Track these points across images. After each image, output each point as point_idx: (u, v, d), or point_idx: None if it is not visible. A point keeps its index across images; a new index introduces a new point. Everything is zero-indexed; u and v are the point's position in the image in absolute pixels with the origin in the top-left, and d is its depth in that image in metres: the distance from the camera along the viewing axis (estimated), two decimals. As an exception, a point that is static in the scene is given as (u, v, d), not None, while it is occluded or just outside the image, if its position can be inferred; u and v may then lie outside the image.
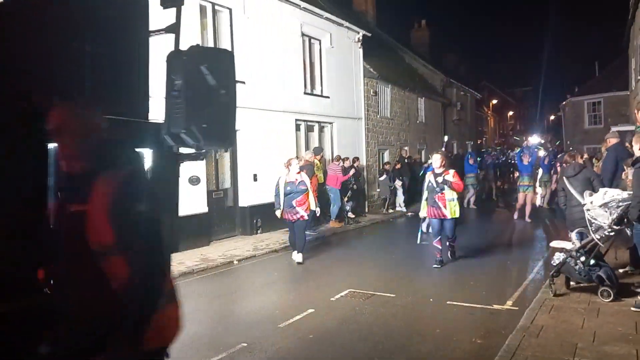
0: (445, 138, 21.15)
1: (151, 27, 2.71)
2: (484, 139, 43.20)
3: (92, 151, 2.17)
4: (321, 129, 15.79)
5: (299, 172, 9.26)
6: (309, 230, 12.49)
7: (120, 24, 2.53)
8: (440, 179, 8.33)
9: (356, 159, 15.78)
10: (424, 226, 10.92)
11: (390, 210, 16.79)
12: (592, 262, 6.00)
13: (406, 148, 20.61)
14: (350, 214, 14.32)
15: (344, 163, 14.37)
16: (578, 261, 6.09)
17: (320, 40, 15.63)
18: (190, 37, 10.64)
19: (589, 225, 6.09)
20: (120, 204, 2.06)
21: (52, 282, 2.19)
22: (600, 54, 34.33)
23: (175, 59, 2.42)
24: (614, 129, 16.16)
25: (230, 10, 12.07)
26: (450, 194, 8.29)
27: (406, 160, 18.47)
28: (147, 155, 2.55)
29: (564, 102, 36.85)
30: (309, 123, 15.02)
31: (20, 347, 2.02)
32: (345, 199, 14.21)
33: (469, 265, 8.72)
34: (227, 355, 4.94)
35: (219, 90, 2.44)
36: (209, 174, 11.38)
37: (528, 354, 4.48)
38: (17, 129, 2.11)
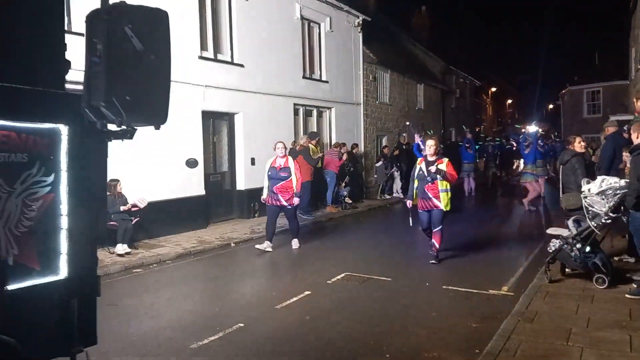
0: (407, 123, 19.21)
1: None
2: (482, 126, 43.15)
3: None
4: (320, 114, 15.74)
5: (283, 157, 8.90)
6: (305, 215, 12.53)
7: None
8: (432, 168, 7.52)
9: (355, 145, 15.76)
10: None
11: (387, 196, 16.83)
12: (587, 249, 6.03)
13: (404, 134, 20.57)
14: (347, 199, 14.34)
15: (341, 149, 14.33)
16: (574, 248, 6.12)
17: (319, 24, 15.51)
18: (188, 21, 10.58)
19: (585, 213, 6.11)
20: None
21: None
22: (601, 43, 34.11)
23: (95, 18, 2.06)
24: (612, 118, 16.15)
25: (230, -8, 11.95)
26: (442, 185, 7.54)
27: (404, 147, 18.45)
28: (64, 132, 2.22)
29: (563, 91, 36.78)
30: (307, 107, 14.97)
31: None
32: (343, 184, 14.22)
33: (465, 251, 8.76)
34: (223, 335, 4.97)
35: (147, 56, 2.14)
36: (206, 157, 11.36)
37: (522, 338, 4.52)
38: None
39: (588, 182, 6.34)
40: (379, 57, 18.84)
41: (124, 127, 2.21)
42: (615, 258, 7.03)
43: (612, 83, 28.98)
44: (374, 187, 17.73)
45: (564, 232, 6.41)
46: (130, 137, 2.34)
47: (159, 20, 2.23)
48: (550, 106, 52.21)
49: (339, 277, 7.10)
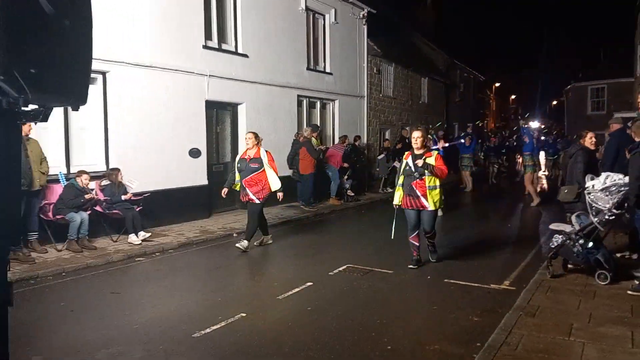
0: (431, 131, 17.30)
1: None
2: (485, 121, 43.05)
3: None
4: (323, 106, 15.70)
5: (253, 148, 8.26)
6: (308, 207, 12.54)
7: None
8: (420, 162, 6.83)
9: (357, 137, 15.73)
10: None
11: (389, 190, 16.81)
12: (590, 245, 6.03)
13: (407, 128, 20.53)
14: (349, 192, 14.34)
15: (343, 143, 14.33)
16: (577, 244, 6.12)
17: (324, 16, 15.44)
18: (193, 9, 10.55)
19: (589, 209, 6.11)
20: None
21: None
22: (607, 40, 33.97)
23: None
24: (617, 115, 16.07)
25: (235, -19, 11.90)
26: (431, 181, 6.86)
27: (407, 140, 18.40)
28: None
29: (567, 87, 36.65)
30: (311, 99, 14.93)
31: None
32: (345, 177, 14.22)
33: (467, 245, 8.77)
34: (226, 324, 4.99)
35: (60, 21, 1.79)
36: (209, 147, 11.35)
37: (524, 332, 4.53)
38: None
39: (592, 179, 6.34)
40: (384, 49, 18.77)
41: (36, 106, 1.88)
42: (618, 254, 7.04)
43: (617, 80, 28.87)
44: (377, 180, 17.73)
45: (566, 228, 6.41)
46: (45, 120, 1.95)
47: None
48: (554, 102, 52.04)
49: (340, 268, 7.11)
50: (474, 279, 6.60)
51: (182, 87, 10.47)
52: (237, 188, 8.51)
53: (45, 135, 8.39)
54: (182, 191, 10.38)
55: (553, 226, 6.68)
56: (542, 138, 15.94)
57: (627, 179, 5.90)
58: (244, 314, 5.26)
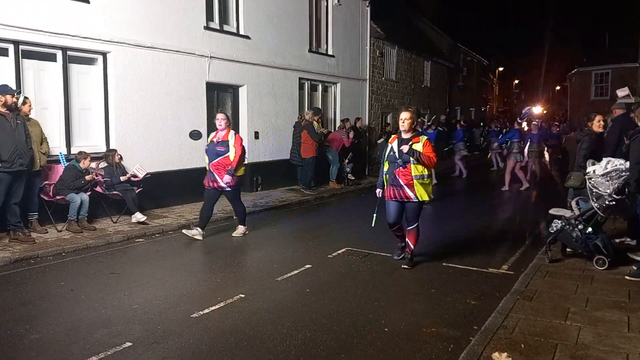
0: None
1: None
2: (488, 106, 42.84)
3: None
4: (325, 89, 15.61)
5: (224, 130, 7.75)
6: (308, 191, 12.54)
7: None
8: (405, 148, 6.00)
9: (358, 119, 15.66)
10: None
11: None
12: (589, 230, 6.04)
13: (409, 112, 20.44)
14: (350, 176, 14.33)
15: (345, 124, 14.30)
16: (576, 229, 6.13)
17: (327, -3, 15.28)
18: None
19: (589, 194, 6.10)
20: None
21: None
22: (611, 25, 33.59)
23: None
24: (620, 99, 15.93)
25: (237, -39, 11.75)
26: (417, 170, 6.01)
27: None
28: None
29: (571, 72, 36.38)
30: (312, 82, 14.84)
31: None
32: (346, 160, 14.20)
33: (466, 230, 8.79)
34: (225, 304, 5.02)
35: None
36: (210, 129, 11.30)
37: (521, 316, 4.55)
38: None
39: (593, 164, 6.32)
40: (387, 32, 18.60)
41: None
42: (617, 240, 7.04)
43: (622, 65, 28.63)
44: (377, 164, 17.69)
45: (566, 213, 6.41)
46: None
47: None
48: (558, 88, 51.71)
49: (339, 251, 7.14)
50: (472, 263, 6.62)
51: (183, 69, 10.41)
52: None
53: (46, 116, 8.38)
54: (182, 173, 10.38)
55: (552, 211, 6.68)
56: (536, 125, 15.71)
57: (628, 164, 5.88)
58: (242, 295, 5.29)
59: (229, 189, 7.79)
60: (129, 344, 4.12)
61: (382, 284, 5.83)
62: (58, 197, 7.88)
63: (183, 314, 4.77)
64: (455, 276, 6.14)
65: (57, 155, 8.30)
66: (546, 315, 4.57)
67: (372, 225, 6.42)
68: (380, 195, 6.38)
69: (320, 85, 15.26)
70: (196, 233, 7.78)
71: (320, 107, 14.74)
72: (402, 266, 6.34)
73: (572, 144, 10.69)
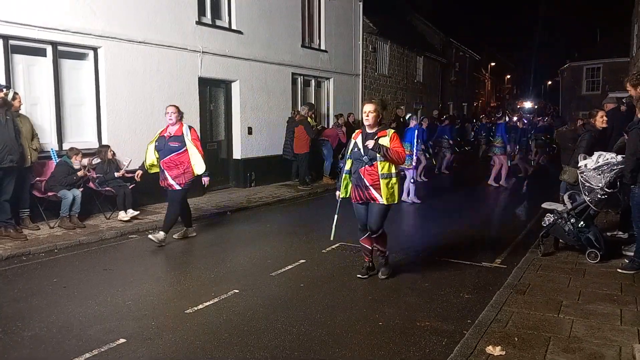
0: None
1: None
2: (480, 101, 42.97)
3: None
4: (318, 84, 15.58)
5: (175, 124, 7.14)
6: (303, 186, 12.52)
7: None
8: (370, 143, 5.32)
9: (350, 113, 15.65)
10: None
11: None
12: (582, 224, 6.08)
13: (402, 107, 20.47)
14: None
15: (338, 120, 14.31)
16: (568, 223, 6.17)
17: (319, -8, 15.23)
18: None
19: (581, 188, 6.14)
20: None
21: None
22: (603, 19, 33.77)
23: None
24: (611, 94, 16.07)
25: (229, -44, 11.68)
26: (383, 168, 5.35)
27: (401, 120, 18.36)
28: None
29: (563, 67, 36.57)
30: (305, 77, 14.80)
31: None
32: (340, 155, 14.17)
33: (459, 224, 8.82)
34: (219, 300, 5.01)
35: None
36: (202, 125, 11.26)
37: (514, 309, 4.57)
38: None
39: (585, 158, 6.36)
40: (379, 27, 18.60)
41: None
42: (608, 233, 7.09)
43: (613, 60, 28.80)
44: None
45: (558, 207, 6.45)
46: None
47: None
48: (549, 82, 51.98)
49: (333, 246, 7.14)
50: (466, 257, 6.65)
51: (175, 64, 10.34)
52: (154, 171, 7.38)
53: (37, 112, 8.31)
54: (175, 169, 10.31)
55: (545, 205, 6.72)
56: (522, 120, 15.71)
57: (619, 157, 5.92)
58: (237, 290, 5.29)
59: (178, 187, 7.08)
60: (123, 340, 4.11)
61: (375, 278, 5.83)
62: (50, 194, 7.83)
63: (177, 310, 4.76)
64: (449, 270, 6.15)
65: (49, 152, 8.23)
66: (539, 308, 4.60)
67: (331, 238, 5.79)
68: (339, 198, 5.71)
69: (313, 81, 15.23)
70: (162, 238, 7.08)
71: (313, 102, 14.72)
72: (380, 276, 5.72)
73: (563, 138, 10.75)
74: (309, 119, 12.82)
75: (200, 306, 4.84)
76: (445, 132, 16.39)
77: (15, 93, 7.36)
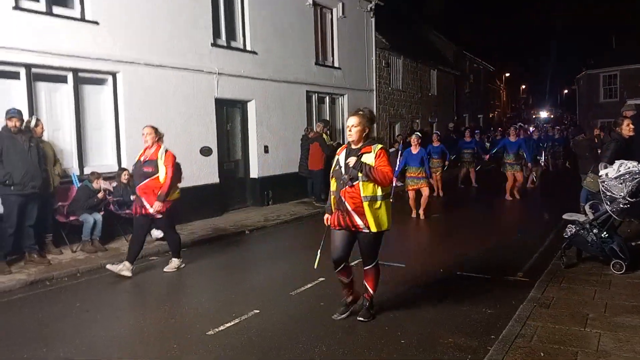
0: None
1: None
2: (496, 112, 42.73)
3: None
4: (332, 101, 15.68)
5: (152, 146, 6.70)
6: (319, 203, 12.51)
7: None
8: (352, 160, 4.62)
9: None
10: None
11: (399, 184, 16.68)
12: (605, 234, 5.97)
13: (417, 121, 20.45)
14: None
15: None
16: (591, 233, 6.06)
17: (331, 10, 15.38)
18: (201, 8, 10.56)
19: (602, 197, 6.04)
20: None
21: None
22: (619, 26, 33.53)
23: None
24: (629, 102, 15.85)
25: (241, -21, 11.90)
26: (367, 189, 4.58)
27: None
28: None
29: (579, 75, 36.25)
30: (320, 94, 14.91)
31: None
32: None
33: (479, 237, 8.73)
34: (240, 321, 5.01)
35: None
36: (220, 145, 11.38)
37: (539, 324, 4.49)
38: None
39: (605, 167, 6.27)
40: (392, 42, 18.69)
41: None
42: (632, 243, 6.96)
43: (630, 67, 28.51)
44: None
45: (580, 218, 6.35)
46: None
47: None
48: (565, 91, 51.52)
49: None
50: (486, 271, 6.57)
51: (191, 86, 10.51)
52: None
53: (58, 137, 8.49)
54: (193, 190, 10.41)
55: (566, 216, 6.62)
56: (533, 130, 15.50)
57: (641, 166, 5.83)
58: (257, 311, 5.29)
59: (159, 215, 6.64)
60: (145, 363, 4.13)
61: (396, 294, 5.79)
62: (72, 218, 7.95)
63: (198, 332, 4.77)
64: (470, 285, 6.09)
65: (71, 176, 8.38)
66: (565, 322, 4.51)
67: (315, 266, 5.16)
68: (328, 222, 4.97)
69: (327, 97, 15.32)
70: (123, 268, 6.58)
71: (328, 118, 14.79)
72: (358, 318, 4.94)
73: (580, 148, 10.62)
74: (324, 136, 12.88)
75: (222, 327, 4.85)
76: (469, 145, 15.86)
77: (38, 120, 7.54)
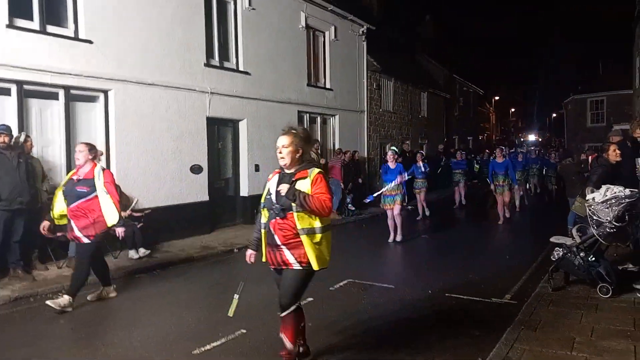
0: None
1: None
2: (485, 135, 43.16)
3: None
4: (324, 121, 15.79)
5: (86, 164, 6.01)
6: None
7: None
8: (283, 188, 3.90)
9: (355, 151, 15.76)
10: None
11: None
12: (592, 258, 6.02)
13: (408, 142, 20.59)
14: (350, 207, 14.34)
15: (344, 156, 14.48)
16: (578, 257, 6.11)
17: (324, 33, 15.60)
18: (194, 29, 10.66)
19: (589, 221, 6.10)
20: None
21: None
22: (605, 52, 34.15)
23: None
24: (616, 127, 16.11)
25: (235, 1, 12.04)
26: (302, 221, 3.92)
27: (407, 154, 18.46)
28: None
29: (566, 100, 36.80)
30: (311, 115, 15.01)
31: None
32: (347, 191, 14.24)
33: (467, 259, 8.75)
34: (226, 340, 4.97)
35: None
36: (210, 163, 11.39)
37: (526, 347, 4.50)
38: None
39: (592, 191, 6.34)
40: (383, 65, 18.91)
41: None
42: (619, 267, 7.00)
43: (616, 92, 29.00)
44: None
45: (567, 241, 6.40)
46: None
47: None
48: (554, 115, 52.22)
49: (341, 283, 7.09)
50: (475, 293, 6.57)
51: (183, 105, 10.55)
52: (63, 222, 6.15)
53: (48, 154, 8.46)
54: (183, 207, 10.40)
55: (553, 239, 6.67)
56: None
57: (627, 191, 5.90)
58: (244, 330, 5.25)
59: (86, 240, 5.91)
60: (130, 383, 4.07)
61: (385, 316, 5.78)
62: (59, 234, 7.85)
63: (184, 351, 4.72)
64: (458, 307, 6.09)
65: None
66: (551, 345, 4.52)
67: (230, 314, 4.37)
68: (252, 260, 4.47)
69: (319, 118, 15.43)
70: (64, 302, 5.89)
71: (319, 139, 14.87)
72: None
73: (567, 172, 10.73)
74: (312, 153, 12.94)
75: (208, 347, 4.81)
76: (461, 165, 16.50)
77: (27, 136, 7.52)
